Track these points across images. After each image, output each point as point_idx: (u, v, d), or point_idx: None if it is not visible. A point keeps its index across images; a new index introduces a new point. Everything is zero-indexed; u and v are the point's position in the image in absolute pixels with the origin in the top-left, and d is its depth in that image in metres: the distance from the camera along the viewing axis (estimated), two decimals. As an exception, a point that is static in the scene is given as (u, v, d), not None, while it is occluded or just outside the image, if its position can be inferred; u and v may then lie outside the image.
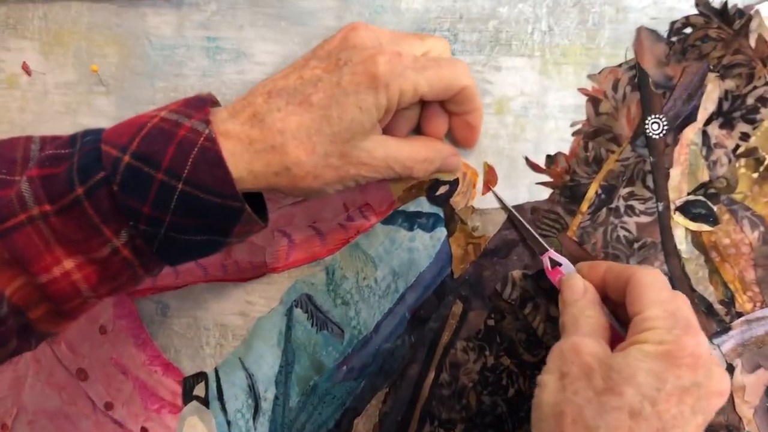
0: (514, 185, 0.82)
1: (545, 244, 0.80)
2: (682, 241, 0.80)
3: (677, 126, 0.79)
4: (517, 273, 0.83)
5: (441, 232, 0.84)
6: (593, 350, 0.67)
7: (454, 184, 0.82)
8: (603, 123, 0.80)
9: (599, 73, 0.80)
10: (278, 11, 0.82)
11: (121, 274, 0.69)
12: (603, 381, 0.65)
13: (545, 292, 0.82)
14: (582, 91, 0.80)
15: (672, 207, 0.80)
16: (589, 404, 0.64)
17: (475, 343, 0.84)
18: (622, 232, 0.81)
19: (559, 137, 0.81)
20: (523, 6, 0.80)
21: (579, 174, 0.81)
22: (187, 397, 0.89)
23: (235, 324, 0.88)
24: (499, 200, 0.82)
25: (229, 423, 0.88)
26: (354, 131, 0.68)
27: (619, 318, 0.75)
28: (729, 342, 0.81)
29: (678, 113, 0.79)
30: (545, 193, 0.82)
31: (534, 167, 0.82)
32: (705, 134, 0.79)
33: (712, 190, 0.79)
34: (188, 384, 0.89)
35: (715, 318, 0.81)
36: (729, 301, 0.81)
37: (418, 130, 0.79)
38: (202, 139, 0.65)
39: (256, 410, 0.88)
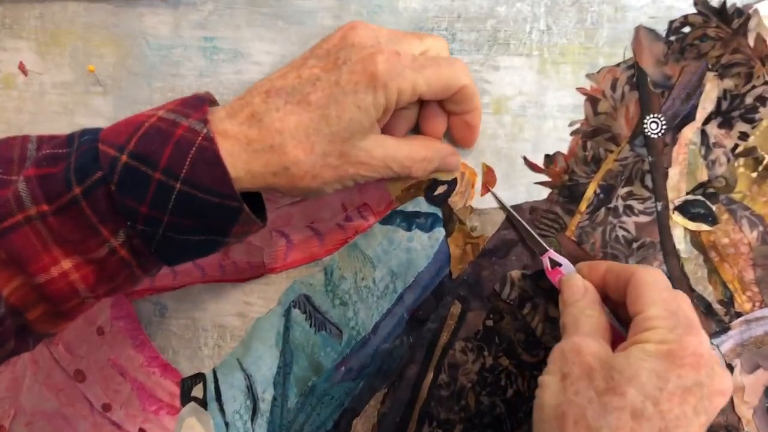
0: (513, 185, 0.82)
1: (545, 245, 0.79)
2: (680, 241, 0.80)
3: (676, 125, 0.79)
4: (515, 273, 0.83)
5: (439, 232, 0.83)
6: (594, 350, 0.67)
7: (452, 184, 0.82)
8: (601, 122, 0.80)
9: (598, 72, 0.80)
10: (275, 11, 0.82)
11: (119, 274, 0.69)
12: (605, 381, 0.64)
13: (544, 293, 0.82)
14: (580, 90, 0.80)
15: (671, 207, 0.80)
16: (591, 405, 0.64)
17: (474, 343, 0.84)
18: (620, 232, 0.81)
19: (557, 137, 0.81)
20: (521, 5, 0.79)
21: (577, 174, 0.81)
22: (185, 398, 0.89)
23: (234, 325, 0.88)
24: (498, 201, 0.82)
25: (227, 424, 0.88)
26: (352, 130, 0.68)
27: (620, 318, 0.74)
28: (728, 342, 0.81)
29: (677, 112, 0.79)
30: (544, 193, 0.82)
31: (532, 167, 0.81)
32: (704, 133, 0.79)
33: (711, 190, 0.79)
34: (186, 385, 0.89)
35: (714, 318, 0.81)
36: (728, 301, 0.80)
37: (416, 130, 0.79)
38: (200, 138, 0.65)
39: (255, 411, 0.88)
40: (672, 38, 0.78)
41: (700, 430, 0.64)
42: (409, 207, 0.84)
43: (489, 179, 0.82)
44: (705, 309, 0.80)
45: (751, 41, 0.77)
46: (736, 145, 0.79)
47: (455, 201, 0.82)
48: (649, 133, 0.79)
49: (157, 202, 0.65)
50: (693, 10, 0.78)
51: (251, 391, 0.88)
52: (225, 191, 0.65)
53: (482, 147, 0.81)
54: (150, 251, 0.68)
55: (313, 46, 0.72)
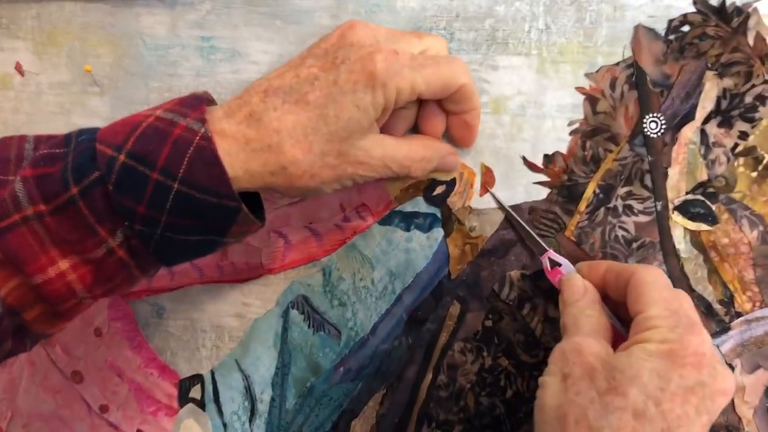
0: (512, 185, 0.82)
1: (544, 245, 0.79)
2: (680, 241, 0.80)
3: (675, 125, 0.79)
4: (515, 273, 0.82)
5: (438, 232, 0.83)
6: (595, 350, 0.67)
7: (451, 184, 0.82)
8: (601, 122, 0.80)
9: (597, 71, 0.79)
10: (273, 10, 0.82)
11: (117, 274, 0.68)
12: (606, 381, 0.64)
13: (543, 293, 0.82)
14: (579, 89, 0.80)
15: (670, 206, 0.80)
16: (593, 405, 0.63)
17: (473, 344, 0.84)
18: (620, 232, 0.80)
19: (556, 136, 0.81)
20: (519, 4, 0.79)
21: (577, 173, 0.80)
22: (183, 399, 0.89)
23: (232, 326, 0.87)
24: (497, 201, 0.82)
25: (225, 425, 0.88)
26: (351, 130, 0.68)
27: (621, 317, 0.74)
28: (728, 342, 0.80)
29: (676, 112, 0.79)
30: (543, 193, 0.82)
31: (531, 167, 0.81)
32: (703, 133, 0.79)
33: (711, 189, 0.79)
34: (184, 386, 0.89)
35: (715, 318, 0.80)
36: (728, 301, 0.80)
37: (415, 130, 0.79)
38: (197, 138, 0.65)
39: (253, 412, 0.87)
40: (671, 37, 0.78)
41: (702, 430, 0.64)
42: (408, 207, 0.83)
43: (488, 179, 0.82)
44: (705, 309, 0.80)
45: (750, 40, 0.77)
46: (736, 145, 0.78)
47: (454, 201, 0.82)
48: (648, 133, 0.79)
49: (155, 202, 0.65)
50: (692, 9, 0.78)
51: (249, 392, 0.87)
52: (223, 191, 0.65)
53: (481, 147, 0.81)
54: (148, 251, 0.67)
55: (312, 45, 0.72)
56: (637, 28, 0.78)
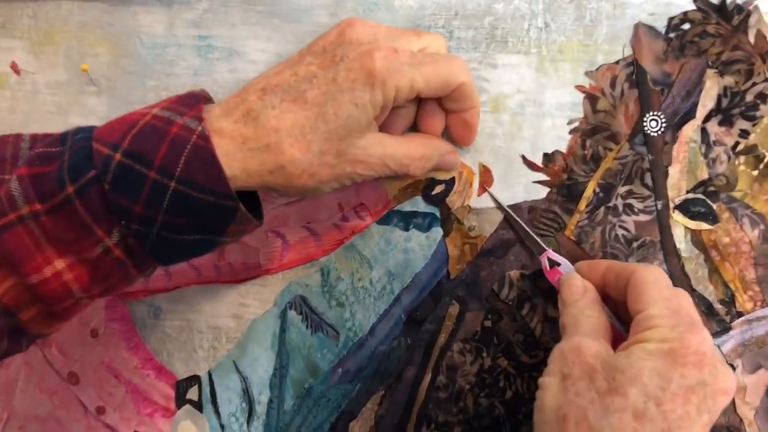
0: (511, 184, 0.81)
1: (543, 245, 0.79)
2: (681, 240, 0.80)
3: (676, 123, 0.79)
4: (514, 273, 0.82)
5: (437, 232, 0.83)
6: (595, 350, 0.66)
7: (450, 183, 0.82)
8: (601, 121, 0.79)
9: (597, 70, 0.79)
10: (271, 9, 0.81)
11: (114, 274, 0.68)
12: (606, 382, 0.64)
13: (543, 293, 0.82)
14: (579, 88, 0.80)
15: (671, 205, 0.80)
16: (593, 406, 0.63)
17: (472, 344, 0.83)
18: (620, 231, 0.80)
19: (556, 135, 0.81)
20: (519, 2, 0.79)
21: (576, 172, 0.80)
22: (180, 400, 0.89)
23: (229, 326, 0.87)
24: (496, 201, 0.81)
25: (222, 427, 0.88)
26: (350, 128, 0.68)
27: (620, 317, 0.74)
28: (729, 342, 0.80)
29: (676, 110, 0.79)
30: (542, 192, 0.81)
31: (531, 166, 0.81)
32: (704, 131, 0.79)
33: (712, 188, 0.79)
34: (181, 387, 0.89)
35: (716, 318, 0.80)
36: (729, 301, 0.80)
37: (414, 129, 0.78)
38: (194, 136, 0.64)
39: (250, 414, 0.87)
40: (671, 35, 0.78)
41: (703, 430, 0.63)
42: (407, 207, 0.83)
43: (486, 179, 0.82)
44: (706, 309, 0.80)
45: (751, 38, 0.77)
46: (737, 143, 0.78)
47: (453, 200, 0.82)
48: (648, 131, 0.79)
49: (152, 201, 0.64)
50: (692, 7, 0.78)
51: (247, 394, 0.87)
52: (220, 190, 0.65)
53: (480, 146, 0.81)
54: (145, 251, 0.67)
55: (310, 43, 0.72)
56: (638, 26, 0.78)
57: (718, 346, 0.80)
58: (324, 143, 0.68)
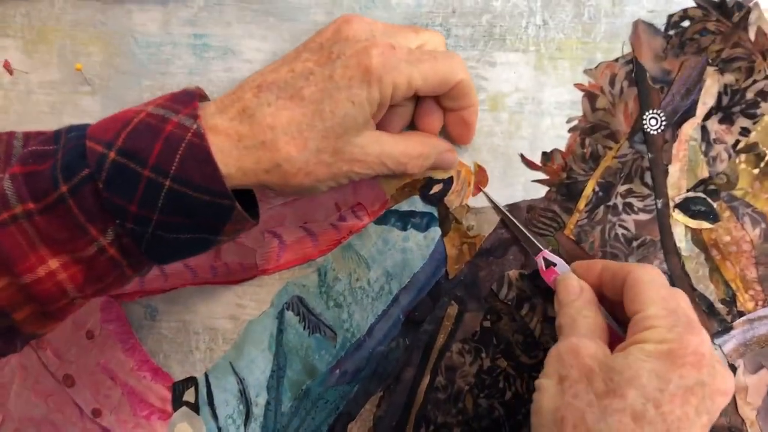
0: (510, 183, 0.81)
1: (539, 244, 0.79)
2: (681, 239, 0.80)
3: (676, 121, 0.79)
4: (513, 273, 0.82)
5: (435, 231, 0.83)
6: (592, 351, 0.66)
7: (448, 182, 0.81)
8: (600, 119, 0.79)
9: (596, 67, 0.79)
10: (266, 7, 0.81)
11: (108, 273, 0.67)
12: (604, 383, 0.64)
13: (542, 293, 0.82)
14: (578, 86, 0.80)
15: (671, 204, 0.79)
16: (591, 408, 0.63)
17: (471, 345, 0.83)
18: (620, 230, 0.80)
19: (555, 134, 0.80)
20: (517, -1, 0.79)
21: (576, 171, 0.80)
22: (177, 402, 0.88)
23: (226, 327, 0.87)
24: (491, 201, 0.81)
25: (219, 429, 0.87)
26: (347, 126, 0.67)
27: (617, 318, 0.74)
28: (731, 342, 0.80)
29: (676, 108, 0.78)
30: (541, 191, 0.81)
31: (530, 165, 0.81)
32: (704, 129, 0.79)
33: (712, 187, 0.79)
34: (178, 389, 0.88)
35: (717, 317, 0.80)
36: (730, 300, 0.80)
37: (412, 127, 0.78)
38: (189, 134, 0.64)
39: (248, 416, 0.87)
40: (671, 32, 0.78)
41: (702, 431, 0.63)
42: (404, 206, 0.83)
43: (481, 179, 0.81)
44: (707, 308, 0.80)
45: (751, 35, 0.77)
46: (738, 141, 0.78)
47: (451, 200, 0.82)
48: (648, 130, 0.79)
49: (147, 200, 0.64)
50: (692, 4, 0.78)
51: (244, 396, 0.87)
52: (216, 189, 0.64)
53: (479, 145, 0.81)
54: (140, 250, 0.66)
55: (307, 40, 0.72)
56: (637, 24, 0.78)
57: (720, 346, 0.80)
58: (320, 141, 0.67)
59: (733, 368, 0.80)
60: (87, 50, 0.84)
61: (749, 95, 0.78)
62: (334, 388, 0.85)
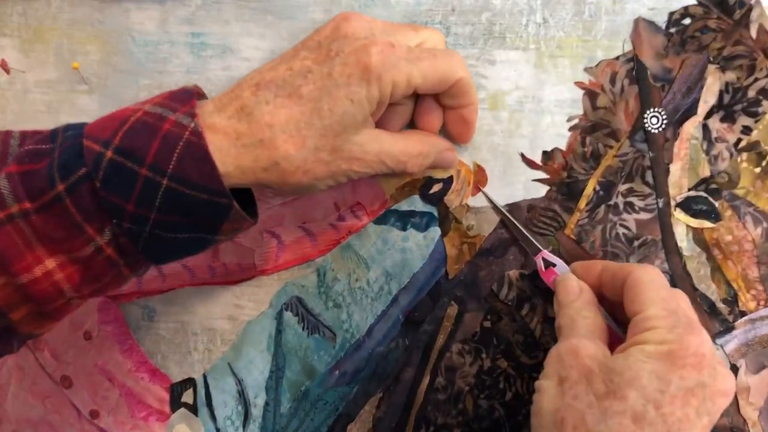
0: (510, 182, 0.81)
1: (538, 245, 0.79)
2: (683, 239, 0.80)
3: (677, 120, 0.78)
4: (513, 273, 0.82)
5: (435, 231, 0.83)
6: (592, 352, 0.66)
7: (448, 181, 0.81)
8: (600, 117, 0.79)
9: (596, 66, 0.79)
10: (264, 5, 0.81)
11: (105, 273, 0.67)
12: (604, 384, 0.63)
13: (543, 292, 0.82)
14: (579, 84, 0.79)
15: (672, 203, 0.79)
16: (591, 409, 0.63)
17: (471, 345, 0.83)
18: (621, 230, 0.80)
19: (555, 132, 0.80)
20: (516, -3, 0.79)
21: (576, 170, 0.80)
22: (175, 404, 0.88)
23: (224, 328, 0.86)
24: (490, 201, 0.81)
25: (218, 430, 0.87)
26: (346, 124, 0.67)
27: (617, 318, 0.74)
28: (732, 342, 0.80)
29: (677, 107, 0.78)
30: (542, 191, 0.81)
31: (530, 164, 0.81)
32: (705, 128, 0.78)
33: (714, 186, 0.79)
34: (176, 391, 0.88)
35: (718, 317, 0.80)
36: (732, 300, 0.80)
37: (411, 126, 0.78)
38: (187, 133, 0.63)
39: (246, 417, 0.87)
40: (672, 30, 0.78)
41: (702, 433, 0.63)
42: (404, 206, 0.83)
43: (480, 178, 0.81)
44: (708, 308, 0.79)
45: (753, 32, 0.77)
46: (739, 140, 0.78)
47: (451, 199, 0.81)
48: (649, 128, 0.78)
49: (144, 199, 0.63)
50: (693, 1, 0.78)
51: (243, 397, 0.86)
52: (214, 187, 0.64)
53: (478, 143, 0.81)
54: (137, 250, 0.66)
55: (305, 38, 0.71)
56: (638, 21, 0.78)
57: (721, 346, 0.80)
58: (319, 139, 0.67)
59: (735, 368, 0.80)
60: (84, 49, 0.84)
61: (751, 93, 0.77)
62: (334, 389, 0.85)
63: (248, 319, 0.86)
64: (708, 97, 0.78)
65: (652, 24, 0.78)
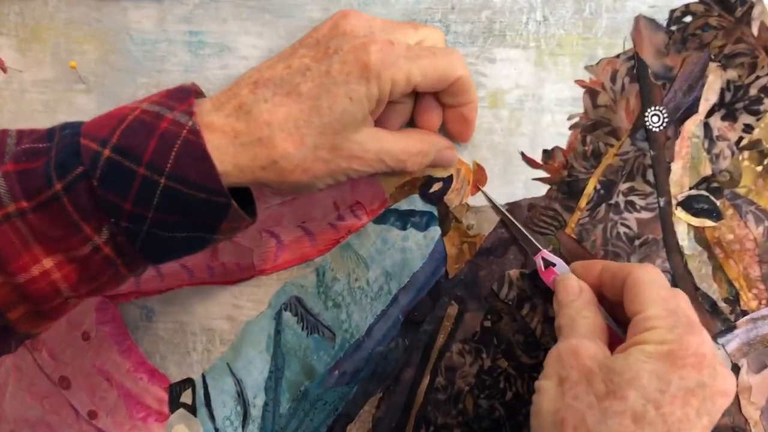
0: (510, 181, 0.81)
1: (537, 244, 0.78)
2: (684, 238, 0.79)
3: (678, 118, 0.78)
4: (514, 272, 0.81)
5: (435, 231, 0.82)
6: (592, 353, 0.66)
7: (448, 181, 0.81)
8: (601, 116, 0.79)
9: (597, 64, 0.79)
10: (262, 4, 0.81)
11: (103, 273, 0.67)
12: (604, 385, 0.63)
13: (543, 292, 0.81)
14: (579, 82, 0.79)
15: (673, 202, 0.79)
16: (591, 410, 0.63)
17: (472, 345, 0.83)
18: (622, 229, 0.80)
19: (556, 131, 0.80)
20: (517, -5, 0.79)
21: (577, 169, 0.80)
22: (174, 404, 0.88)
23: (223, 328, 0.86)
24: (490, 200, 0.81)
25: (217, 430, 0.87)
26: (345, 123, 0.67)
27: (617, 318, 0.74)
28: (734, 341, 0.80)
29: (678, 105, 0.78)
30: (542, 190, 0.81)
31: (530, 162, 0.80)
32: (707, 126, 0.78)
33: (715, 184, 0.78)
34: (175, 391, 0.88)
35: (720, 317, 0.80)
36: (734, 299, 0.79)
37: (411, 125, 0.78)
38: (185, 131, 0.63)
39: (245, 417, 0.86)
40: (673, 28, 0.78)
41: (702, 433, 0.63)
42: (404, 205, 0.82)
43: (479, 177, 0.81)
44: (710, 307, 0.79)
45: (754, 30, 0.77)
46: (741, 138, 0.78)
47: (451, 198, 0.81)
48: (650, 127, 0.78)
49: (142, 197, 0.63)
50: (694, -1, 0.77)
51: (242, 397, 0.86)
52: (212, 186, 0.64)
53: (478, 142, 0.80)
54: (135, 249, 0.66)
55: (303, 36, 0.71)
56: (638, 19, 0.78)
57: (723, 346, 0.79)
58: (318, 137, 0.66)
59: (737, 368, 0.80)
60: (81, 48, 0.83)
61: (752, 91, 0.77)
62: (333, 389, 0.85)
63: (247, 319, 0.86)
64: (709, 95, 0.78)
65: (652, 22, 0.77)
